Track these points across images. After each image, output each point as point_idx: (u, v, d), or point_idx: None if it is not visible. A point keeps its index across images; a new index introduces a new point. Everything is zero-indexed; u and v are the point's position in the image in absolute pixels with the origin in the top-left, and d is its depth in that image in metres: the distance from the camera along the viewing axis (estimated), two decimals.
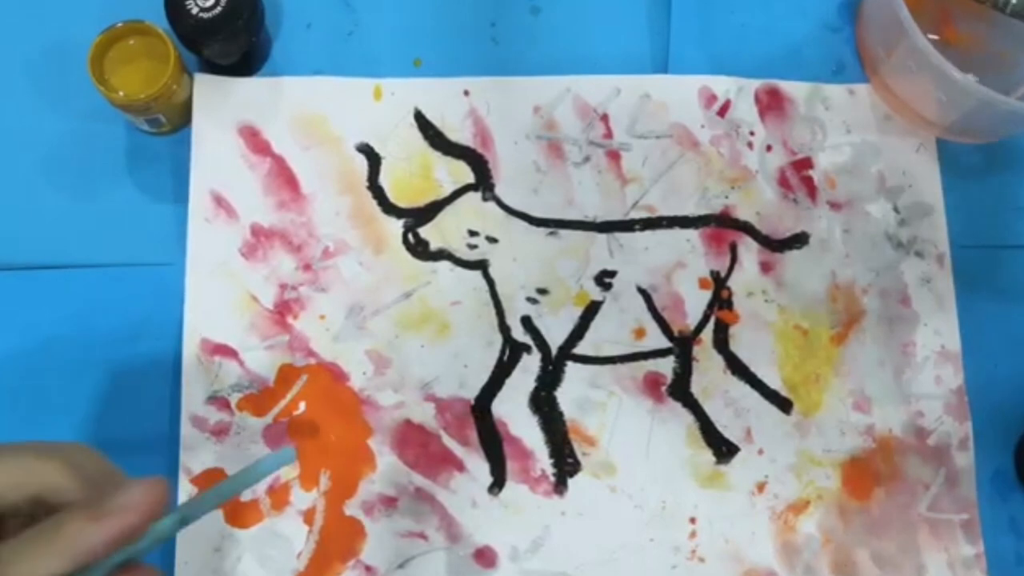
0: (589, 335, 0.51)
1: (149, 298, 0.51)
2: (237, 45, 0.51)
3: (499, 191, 0.53)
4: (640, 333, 0.52)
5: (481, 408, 0.50)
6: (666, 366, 0.51)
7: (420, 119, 0.53)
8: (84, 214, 0.52)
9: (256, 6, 0.50)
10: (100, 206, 0.52)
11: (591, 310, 0.52)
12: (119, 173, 0.52)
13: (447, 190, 0.53)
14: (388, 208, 0.52)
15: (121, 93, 0.49)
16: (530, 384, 0.51)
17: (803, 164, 0.54)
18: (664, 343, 0.52)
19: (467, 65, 0.54)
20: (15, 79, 0.53)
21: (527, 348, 0.51)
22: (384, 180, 0.53)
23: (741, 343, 0.52)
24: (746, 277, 0.53)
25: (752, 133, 0.54)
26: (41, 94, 0.53)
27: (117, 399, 0.50)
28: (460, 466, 0.50)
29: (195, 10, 0.49)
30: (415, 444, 0.50)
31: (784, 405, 0.51)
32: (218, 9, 0.49)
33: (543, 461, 0.50)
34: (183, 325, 0.50)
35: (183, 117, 0.52)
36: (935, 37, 0.47)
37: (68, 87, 0.52)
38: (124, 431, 0.49)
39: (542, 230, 0.53)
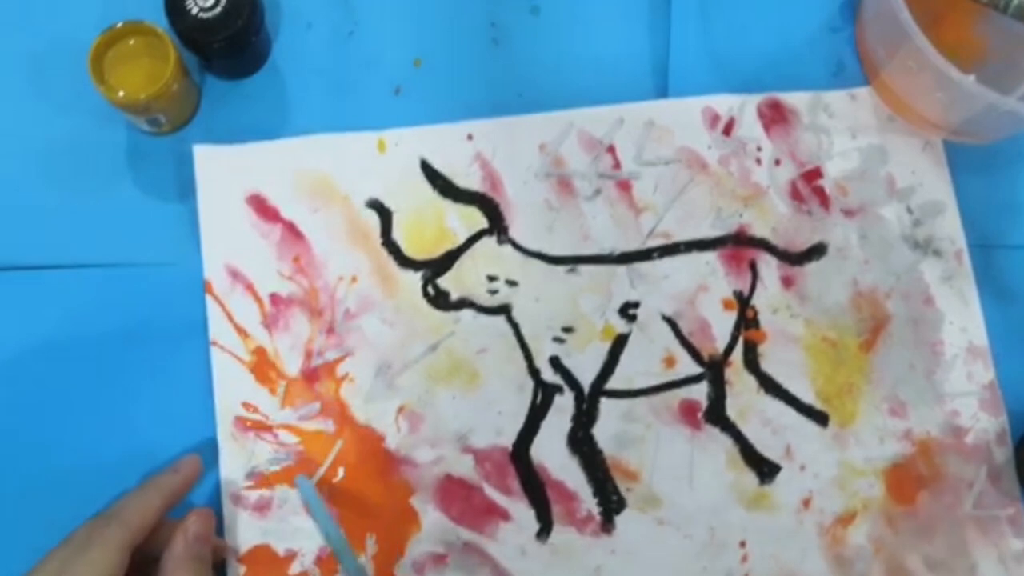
0: (619, 369, 0.51)
1: (150, 298, 0.51)
2: (237, 45, 0.50)
3: (514, 233, 0.52)
4: (670, 362, 0.52)
5: (520, 454, 0.50)
6: (700, 392, 0.51)
7: (427, 168, 0.53)
8: (84, 214, 0.52)
9: (256, 6, 0.50)
10: (100, 206, 0.52)
11: (619, 344, 0.52)
12: (119, 173, 0.52)
13: (461, 238, 0.52)
14: (404, 262, 0.52)
15: (121, 93, 0.48)
16: (566, 425, 0.51)
17: (813, 174, 0.54)
18: (695, 369, 0.51)
19: (467, 65, 0.54)
20: (15, 79, 0.53)
21: (559, 389, 0.51)
22: (397, 234, 0.52)
23: (771, 361, 0.52)
24: (769, 294, 0.52)
25: (759, 149, 0.54)
26: (41, 94, 0.53)
27: (117, 399, 0.50)
28: (505, 515, 0.49)
29: (195, 10, 0.49)
30: (458, 498, 0.50)
31: (820, 419, 0.51)
32: (218, 9, 0.49)
33: (588, 501, 0.50)
34: (214, 404, 0.49)
35: (183, 117, 0.52)
36: (935, 37, 0.47)
37: (68, 87, 0.52)
38: (124, 430, 0.49)
39: (561, 268, 0.52)
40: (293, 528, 0.48)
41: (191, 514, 0.44)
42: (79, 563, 0.40)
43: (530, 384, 0.51)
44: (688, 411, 0.51)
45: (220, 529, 0.48)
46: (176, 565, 0.43)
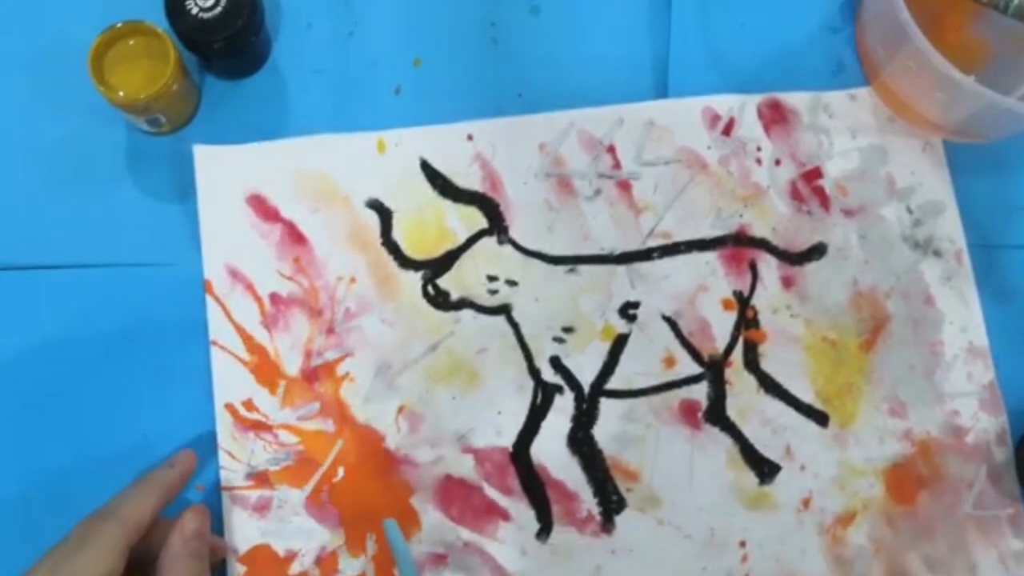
0: (619, 369, 0.51)
1: (150, 298, 0.51)
2: (237, 45, 0.51)
3: (513, 233, 0.52)
4: (670, 362, 0.51)
5: (520, 454, 0.50)
6: (700, 392, 0.51)
7: (427, 168, 0.53)
8: (84, 214, 0.52)
9: (256, 6, 0.50)
10: (100, 206, 0.52)
11: (619, 344, 0.52)
12: (119, 173, 0.52)
13: (461, 238, 0.52)
14: (404, 262, 0.52)
15: (121, 93, 0.48)
16: (566, 425, 0.51)
17: (813, 174, 0.54)
18: (695, 369, 0.51)
19: (467, 65, 0.55)
20: (15, 79, 0.53)
21: (559, 389, 0.51)
22: (397, 234, 0.52)
23: (771, 361, 0.52)
24: (769, 294, 0.52)
25: (759, 149, 0.54)
26: (41, 94, 0.53)
27: (117, 399, 0.50)
28: (505, 515, 0.49)
29: (195, 10, 0.49)
30: (458, 498, 0.50)
31: (820, 419, 0.51)
32: (218, 9, 0.49)
33: (588, 501, 0.50)
34: (214, 404, 0.49)
35: (183, 117, 0.53)
36: (935, 38, 0.47)
37: (68, 87, 0.52)
38: (124, 430, 0.49)
39: (561, 268, 0.52)
40: (293, 528, 0.48)
41: (187, 511, 0.44)
42: (76, 562, 0.40)
43: (530, 384, 0.51)
44: (688, 411, 0.51)
45: (220, 529, 0.48)
46: (174, 562, 0.43)
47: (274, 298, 0.51)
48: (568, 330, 0.52)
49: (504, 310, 0.52)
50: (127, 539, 0.42)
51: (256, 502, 0.49)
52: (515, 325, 0.52)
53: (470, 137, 0.53)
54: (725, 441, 0.51)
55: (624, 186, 0.53)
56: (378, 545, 0.49)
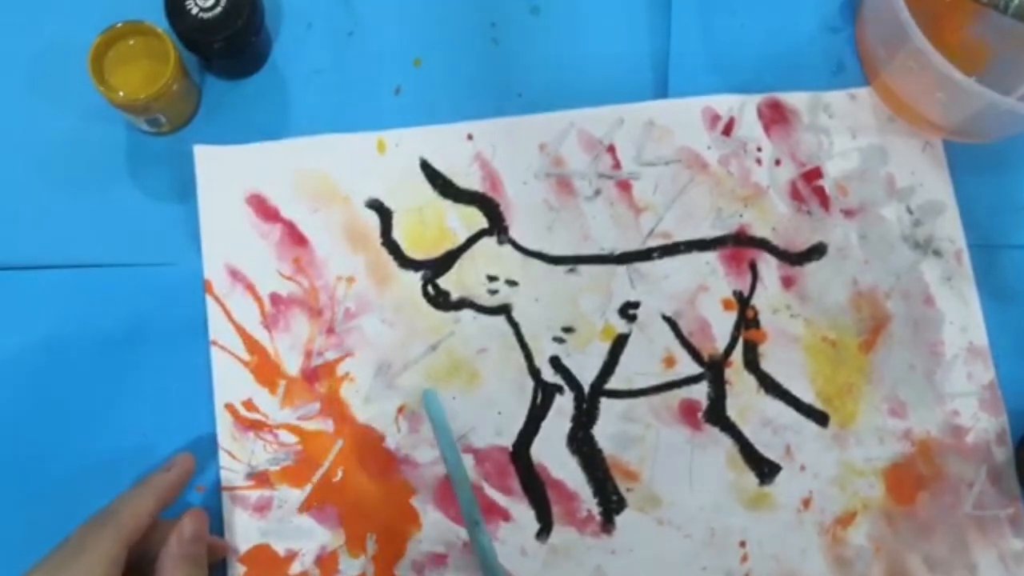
0: (619, 369, 0.51)
1: (150, 298, 0.51)
2: (237, 45, 0.51)
3: (513, 233, 0.52)
4: (670, 362, 0.51)
5: (520, 454, 0.50)
6: (700, 392, 0.51)
7: (427, 168, 0.53)
8: (84, 214, 0.52)
9: (256, 6, 0.50)
10: (100, 206, 0.52)
11: (619, 343, 0.52)
12: (119, 173, 0.52)
13: (461, 238, 0.52)
14: (405, 262, 0.52)
15: (121, 93, 0.48)
16: (566, 425, 0.51)
17: (813, 174, 0.54)
18: (695, 369, 0.51)
19: (467, 65, 0.55)
20: (15, 79, 0.53)
21: (559, 389, 0.51)
22: (397, 234, 0.52)
23: (771, 361, 0.52)
24: (769, 294, 0.52)
25: (759, 149, 0.54)
26: (41, 94, 0.53)
27: (117, 399, 0.50)
28: (505, 515, 0.49)
29: (195, 10, 0.49)
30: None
31: (821, 419, 0.51)
32: (218, 9, 0.49)
33: (588, 501, 0.50)
34: (214, 404, 0.49)
35: (183, 117, 0.53)
36: (935, 38, 0.47)
37: (68, 87, 0.52)
38: (124, 430, 0.49)
39: (561, 268, 0.52)
40: (293, 528, 0.48)
41: (186, 515, 0.45)
42: (75, 566, 0.40)
43: (530, 384, 0.51)
44: (688, 411, 0.51)
45: (220, 529, 0.48)
46: (172, 565, 0.43)
47: (274, 298, 0.51)
48: (568, 330, 0.52)
49: (504, 310, 0.52)
50: (125, 543, 0.42)
51: (256, 502, 0.49)
52: (515, 325, 0.52)
53: (470, 137, 0.53)
54: (725, 441, 0.51)
55: (624, 186, 0.53)
56: (378, 545, 0.49)
